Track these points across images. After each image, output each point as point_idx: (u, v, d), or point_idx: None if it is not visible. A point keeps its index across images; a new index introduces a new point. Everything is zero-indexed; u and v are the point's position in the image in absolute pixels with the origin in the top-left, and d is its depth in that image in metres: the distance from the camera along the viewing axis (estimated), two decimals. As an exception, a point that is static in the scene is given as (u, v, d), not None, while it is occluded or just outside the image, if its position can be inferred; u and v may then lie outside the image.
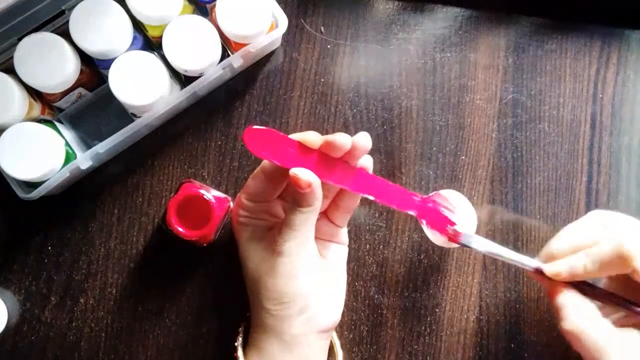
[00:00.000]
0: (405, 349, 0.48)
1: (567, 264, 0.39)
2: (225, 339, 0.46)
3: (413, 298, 0.49)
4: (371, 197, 0.40)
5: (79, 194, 0.48)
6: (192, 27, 0.43)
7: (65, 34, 0.42)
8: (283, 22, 0.45)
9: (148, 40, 0.46)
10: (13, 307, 0.47)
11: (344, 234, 0.44)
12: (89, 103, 0.48)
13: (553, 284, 0.40)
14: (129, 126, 0.44)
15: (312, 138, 0.39)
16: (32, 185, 0.43)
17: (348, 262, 0.46)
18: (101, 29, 0.42)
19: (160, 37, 0.43)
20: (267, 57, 0.50)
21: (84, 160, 0.44)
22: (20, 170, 0.41)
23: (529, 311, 0.49)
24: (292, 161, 0.39)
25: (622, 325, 0.38)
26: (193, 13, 0.46)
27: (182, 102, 0.45)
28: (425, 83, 0.51)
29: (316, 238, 0.41)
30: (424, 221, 0.42)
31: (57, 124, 0.45)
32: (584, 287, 0.39)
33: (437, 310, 0.49)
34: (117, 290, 0.47)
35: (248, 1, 0.44)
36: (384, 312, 0.48)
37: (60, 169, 0.43)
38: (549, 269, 0.39)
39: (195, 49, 0.43)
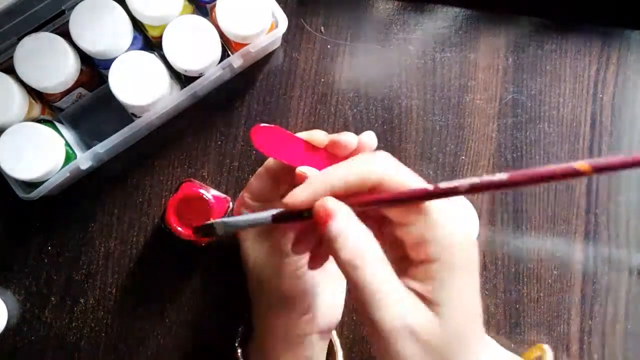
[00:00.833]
0: (405, 349, 0.48)
1: (306, 188, 0.31)
2: (225, 339, 0.45)
3: (413, 298, 0.49)
4: None
5: (79, 194, 0.48)
6: (192, 27, 0.43)
7: (65, 34, 0.42)
8: (283, 22, 0.45)
9: (148, 40, 0.46)
10: (13, 307, 0.47)
11: None
12: (89, 103, 0.48)
13: (319, 209, 0.31)
14: (129, 126, 0.44)
15: (318, 136, 0.38)
16: (32, 185, 0.43)
17: (348, 262, 0.46)
18: (101, 29, 0.42)
19: (160, 37, 0.43)
20: (267, 57, 0.50)
21: (84, 160, 0.43)
22: (20, 170, 0.41)
23: (529, 311, 0.49)
24: (299, 159, 0.38)
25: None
26: (193, 13, 0.46)
27: (182, 102, 0.45)
28: (425, 83, 0.51)
29: None
30: None
31: (57, 124, 0.45)
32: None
33: (437, 310, 0.49)
34: (117, 290, 0.47)
35: (248, 1, 0.44)
36: (384, 312, 0.48)
37: (60, 169, 0.43)
38: (288, 198, 0.31)
39: (195, 49, 0.43)
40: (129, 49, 0.44)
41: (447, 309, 0.29)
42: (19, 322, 0.47)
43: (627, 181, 0.51)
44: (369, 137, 0.39)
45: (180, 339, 0.47)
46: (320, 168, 0.38)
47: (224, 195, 0.45)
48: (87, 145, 0.48)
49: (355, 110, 0.50)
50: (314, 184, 0.32)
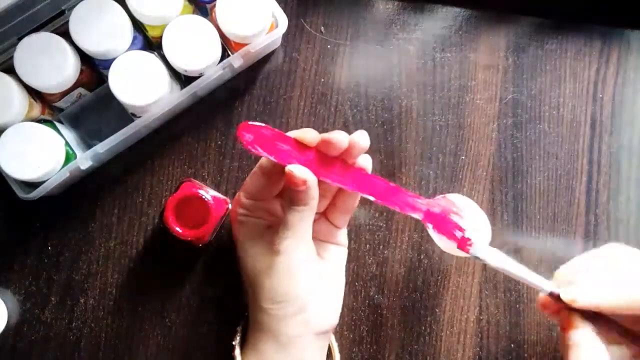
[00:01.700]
0: (405, 349, 0.48)
1: (587, 291, 0.37)
2: (225, 339, 0.45)
3: (413, 298, 0.49)
4: (372, 198, 0.40)
5: (79, 194, 0.48)
6: (192, 27, 0.43)
7: (65, 34, 0.42)
8: (283, 22, 0.45)
9: (148, 40, 0.46)
10: (13, 307, 0.47)
11: (343, 235, 0.44)
12: (89, 103, 0.48)
13: (568, 314, 0.38)
14: (129, 126, 0.44)
15: (309, 135, 0.38)
16: (32, 185, 0.43)
17: (348, 262, 0.46)
18: (101, 29, 0.42)
19: (160, 37, 0.43)
20: (267, 57, 0.50)
21: (84, 160, 0.44)
22: (20, 170, 0.41)
23: (529, 311, 0.49)
24: (288, 158, 0.38)
25: None
26: (193, 13, 0.46)
27: (182, 102, 0.45)
28: (425, 83, 0.51)
29: (315, 239, 0.41)
30: (430, 225, 0.41)
31: (57, 124, 0.45)
32: (597, 318, 0.37)
33: (437, 310, 0.49)
34: (117, 290, 0.47)
35: (248, 1, 0.44)
36: (384, 312, 0.48)
37: (60, 169, 0.43)
38: (566, 293, 0.37)
39: (195, 49, 0.43)
40: (129, 49, 0.44)
41: None
42: (19, 322, 0.47)
43: (627, 181, 0.51)
44: (361, 137, 0.39)
45: (180, 339, 0.47)
46: (310, 167, 0.38)
47: (223, 197, 0.45)
48: (87, 145, 0.48)
49: (355, 110, 0.50)
50: (590, 296, 0.37)
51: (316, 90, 0.50)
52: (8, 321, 0.46)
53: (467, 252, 0.39)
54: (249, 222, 0.42)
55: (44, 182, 0.42)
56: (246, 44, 0.45)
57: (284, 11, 0.45)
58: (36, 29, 0.43)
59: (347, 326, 0.48)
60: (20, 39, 0.42)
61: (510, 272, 0.39)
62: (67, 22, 0.42)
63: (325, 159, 0.39)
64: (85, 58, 0.44)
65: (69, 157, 0.44)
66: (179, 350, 0.47)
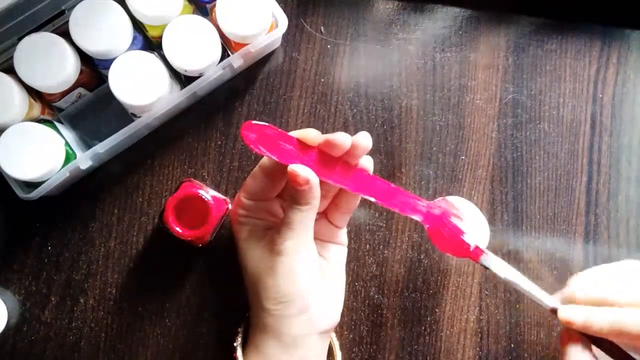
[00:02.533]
0: (405, 349, 0.48)
1: (583, 315, 0.38)
2: (225, 339, 0.45)
3: (413, 298, 0.49)
4: (372, 199, 0.40)
5: (79, 194, 0.48)
6: (192, 27, 0.43)
7: (65, 34, 0.42)
8: (283, 22, 0.45)
9: (148, 40, 0.46)
10: (13, 307, 0.47)
11: (343, 235, 0.44)
12: (89, 103, 0.48)
13: (567, 331, 0.39)
14: (129, 126, 0.44)
15: (311, 135, 0.38)
16: (32, 185, 0.43)
17: (348, 262, 0.46)
18: (101, 29, 0.42)
19: (160, 37, 0.43)
20: (267, 57, 0.50)
21: (84, 160, 0.44)
22: (20, 170, 0.41)
23: (529, 311, 0.49)
24: (291, 158, 0.38)
25: None
26: (193, 13, 0.46)
27: (182, 102, 0.45)
28: (425, 83, 0.51)
29: (316, 239, 0.41)
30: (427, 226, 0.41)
31: (57, 124, 0.45)
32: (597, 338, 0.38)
33: (437, 310, 0.49)
34: (117, 290, 0.47)
35: (248, 1, 0.44)
36: (384, 312, 0.48)
37: (60, 169, 0.43)
38: (563, 314, 0.38)
39: (195, 49, 0.43)
40: (129, 49, 0.44)
41: None
42: (19, 322, 0.47)
43: (627, 181, 0.51)
44: (364, 138, 0.39)
45: (180, 339, 0.47)
46: (312, 167, 0.38)
47: (223, 197, 0.45)
48: (87, 145, 0.48)
49: (355, 110, 0.50)
50: (584, 319, 0.38)
51: (316, 90, 0.50)
52: (8, 321, 0.46)
53: (477, 261, 0.40)
54: (249, 223, 0.42)
55: (44, 182, 0.42)
56: (246, 44, 0.45)
57: (284, 11, 0.45)
58: (36, 29, 0.43)
59: (347, 326, 0.48)
60: (20, 39, 0.42)
61: (515, 284, 0.40)
62: (67, 22, 0.42)
63: (327, 160, 0.39)
64: (85, 58, 0.44)
65: (69, 157, 0.44)
66: (179, 350, 0.47)
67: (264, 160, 0.41)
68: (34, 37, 0.42)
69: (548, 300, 0.40)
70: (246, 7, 0.43)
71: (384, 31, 0.51)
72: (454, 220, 0.41)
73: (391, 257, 0.49)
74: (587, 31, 0.52)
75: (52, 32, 0.43)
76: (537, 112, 0.51)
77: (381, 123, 0.50)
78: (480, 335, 0.49)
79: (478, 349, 0.48)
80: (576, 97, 0.52)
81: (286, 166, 0.38)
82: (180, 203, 0.42)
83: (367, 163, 0.41)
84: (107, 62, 0.43)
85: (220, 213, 0.43)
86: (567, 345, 0.38)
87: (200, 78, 0.44)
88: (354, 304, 0.48)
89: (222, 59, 0.45)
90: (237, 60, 0.45)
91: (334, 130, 0.50)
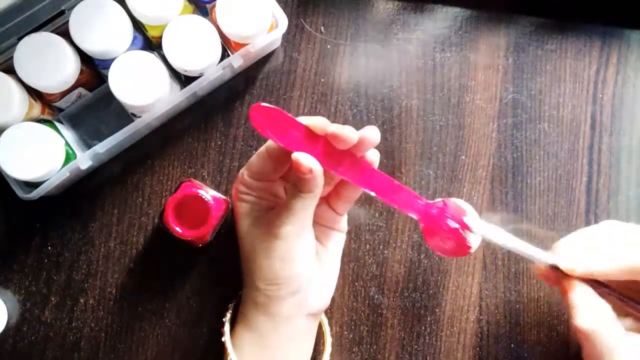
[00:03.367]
0: (405, 349, 0.48)
1: (584, 261, 0.39)
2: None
3: (413, 298, 0.49)
4: (372, 194, 0.40)
5: (79, 194, 0.48)
6: (192, 27, 0.43)
7: (65, 34, 0.42)
8: (283, 22, 0.45)
9: (148, 40, 0.46)
10: (13, 307, 0.47)
11: (343, 221, 0.44)
12: (89, 103, 0.48)
13: (567, 280, 0.39)
14: (129, 126, 0.44)
15: (320, 124, 0.38)
16: (32, 185, 0.43)
17: (348, 262, 0.46)
18: (101, 29, 0.42)
19: (160, 37, 0.43)
20: (267, 57, 0.50)
21: (84, 160, 0.44)
22: (20, 170, 0.41)
23: (529, 311, 0.49)
24: (297, 145, 0.38)
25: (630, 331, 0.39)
26: (193, 13, 0.46)
27: (182, 102, 0.45)
28: (425, 83, 0.51)
29: (315, 223, 0.41)
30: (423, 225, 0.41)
31: (57, 124, 0.45)
32: (597, 285, 0.39)
33: (437, 310, 0.49)
34: (117, 290, 0.47)
35: (248, 1, 0.44)
36: (384, 312, 0.48)
37: (60, 169, 0.43)
38: (565, 263, 0.39)
39: (195, 49, 0.43)
40: (129, 49, 0.44)
41: None
42: (19, 322, 0.47)
43: (627, 181, 0.51)
44: (372, 132, 0.38)
45: (180, 339, 0.47)
46: (317, 157, 0.38)
47: (223, 197, 0.45)
48: (87, 145, 0.48)
49: (355, 110, 0.50)
50: (586, 264, 0.39)
51: (316, 90, 0.50)
52: (8, 321, 0.46)
53: (470, 230, 0.40)
54: (250, 202, 0.42)
55: (44, 182, 0.42)
56: (246, 44, 0.45)
57: (284, 11, 0.45)
58: (36, 29, 0.43)
59: (347, 326, 0.48)
60: (20, 39, 0.42)
61: (511, 247, 0.40)
62: (67, 22, 0.42)
63: (332, 150, 0.38)
64: (85, 58, 0.44)
65: (69, 157, 0.44)
66: (179, 350, 0.47)
67: (271, 141, 0.40)
68: (33, 37, 0.42)
69: (547, 257, 0.40)
70: (246, 7, 0.43)
71: (384, 31, 0.51)
72: (451, 222, 0.41)
73: (391, 257, 0.49)
74: (587, 31, 0.52)
75: (52, 32, 0.43)
76: (537, 112, 0.51)
77: (381, 123, 0.50)
78: (480, 335, 0.49)
79: (478, 349, 0.48)
80: (576, 97, 0.52)
81: (292, 152, 0.38)
82: (180, 203, 0.42)
83: (373, 156, 0.40)
84: (107, 62, 0.43)
85: (220, 213, 0.43)
86: (572, 291, 0.39)
87: (200, 78, 0.44)
88: (354, 304, 0.48)
89: (222, 59, 0.45)
90: (237, 60, 0.45)
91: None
